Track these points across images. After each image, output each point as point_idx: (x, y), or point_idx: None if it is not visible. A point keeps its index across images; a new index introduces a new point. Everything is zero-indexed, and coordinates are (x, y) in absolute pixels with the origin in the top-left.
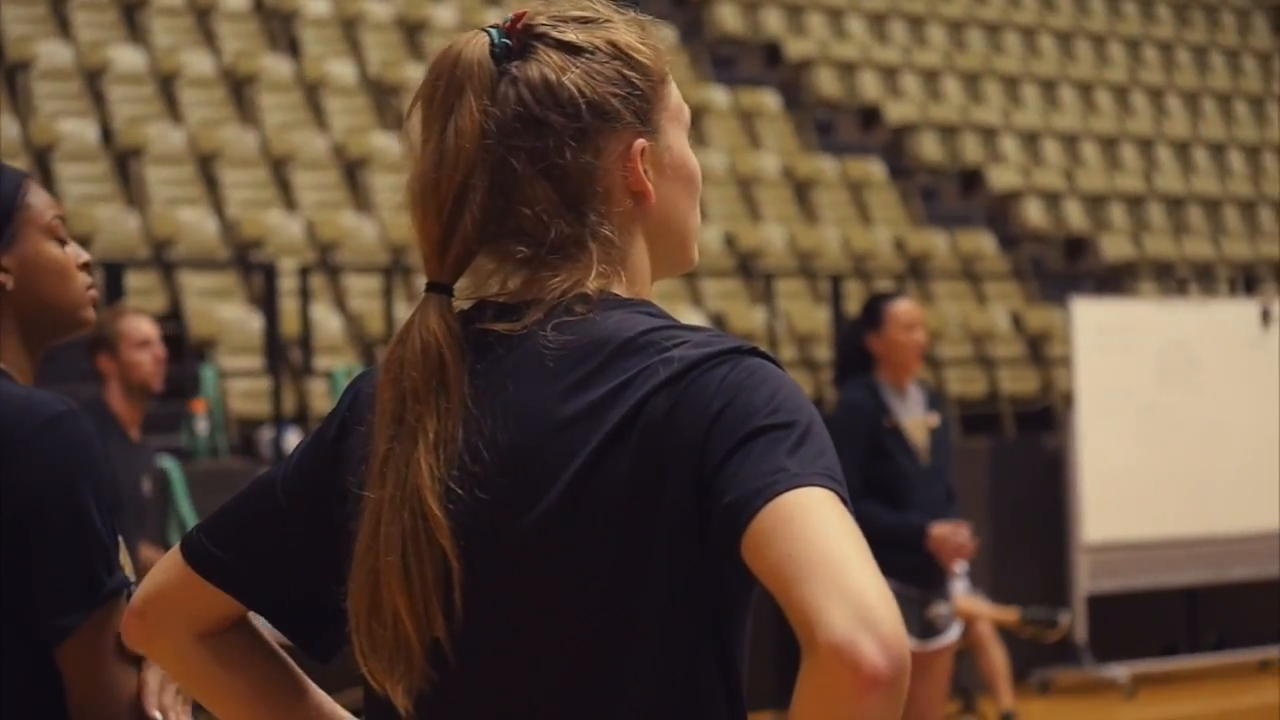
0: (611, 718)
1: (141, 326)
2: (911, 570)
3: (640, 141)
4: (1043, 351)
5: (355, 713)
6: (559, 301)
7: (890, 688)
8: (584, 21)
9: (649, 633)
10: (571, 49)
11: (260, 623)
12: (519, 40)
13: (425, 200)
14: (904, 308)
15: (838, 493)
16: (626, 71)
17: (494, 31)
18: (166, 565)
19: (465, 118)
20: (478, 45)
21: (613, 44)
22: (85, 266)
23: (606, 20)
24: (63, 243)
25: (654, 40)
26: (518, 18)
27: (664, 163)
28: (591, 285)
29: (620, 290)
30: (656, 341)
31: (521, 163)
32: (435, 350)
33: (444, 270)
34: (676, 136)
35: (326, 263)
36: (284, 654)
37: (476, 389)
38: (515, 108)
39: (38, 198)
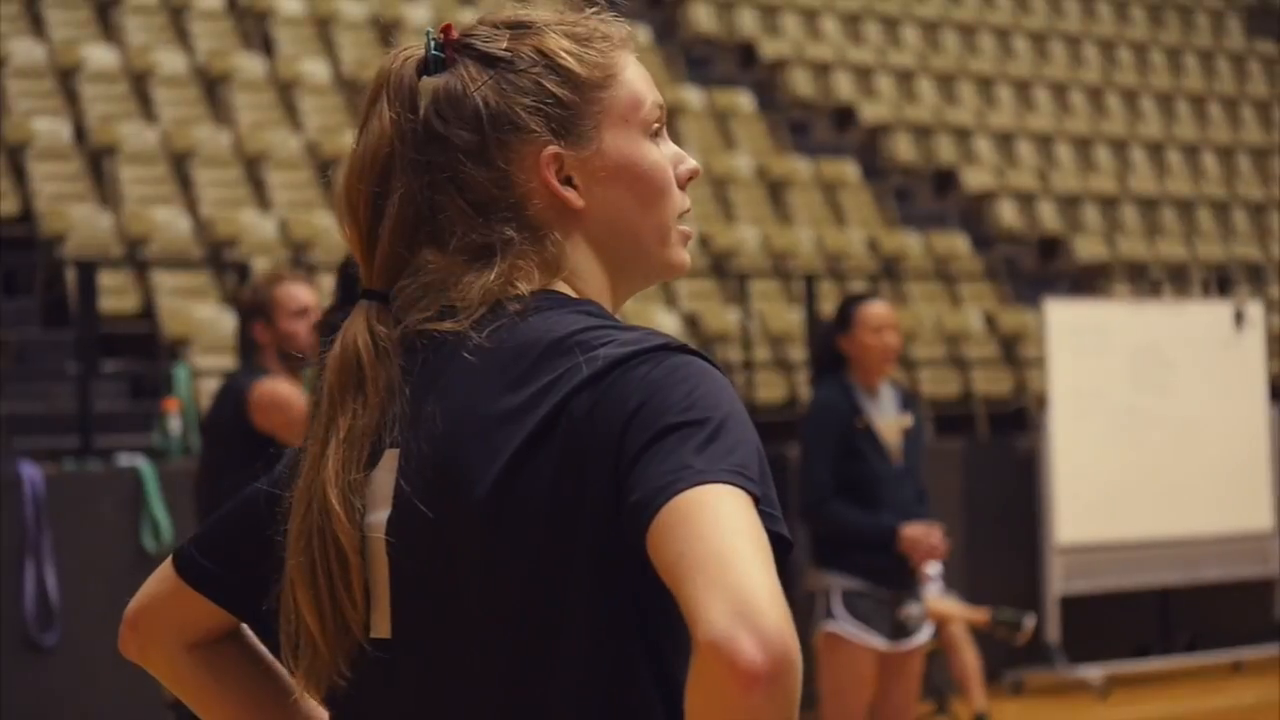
0: (537, 714)
1: (298, 294)
2: (882, 571)
3: (549, 150)
4: (1016, 352)
5: None
6: (492, 302)
7: (771, 685)
8: (519, 27)
9: (574, 628)
10: (490, 60)
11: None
12: (450, 53)
13: (342, 206)
14: (873, 310)
15: (746, 489)
16: (545, 81)
17: (430, 43)
18: (160, 576)
19: (375, 124)
20: (405, 58)
21: (539, 51)
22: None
23: (545, 25)
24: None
25: (598, 45)
26: (447, 30)
27: (595, 167)
28: (523, 287)
29: (567, 292)
30: (585, 341)
31: (430, 173)
32: (353, 353)
33: (374, 277)
34: (622, 139)
35: (300, 262)
36: (278, 664)
37: (413, 388)
38: (423, 121)
39: None
